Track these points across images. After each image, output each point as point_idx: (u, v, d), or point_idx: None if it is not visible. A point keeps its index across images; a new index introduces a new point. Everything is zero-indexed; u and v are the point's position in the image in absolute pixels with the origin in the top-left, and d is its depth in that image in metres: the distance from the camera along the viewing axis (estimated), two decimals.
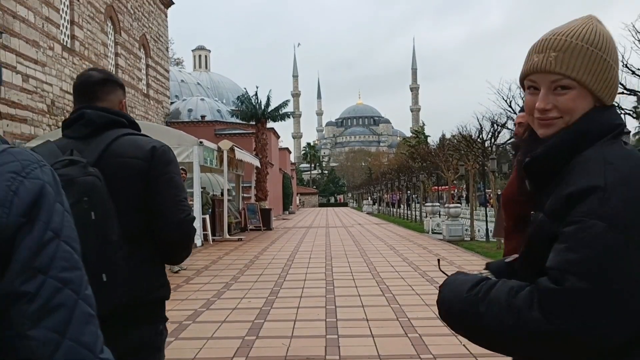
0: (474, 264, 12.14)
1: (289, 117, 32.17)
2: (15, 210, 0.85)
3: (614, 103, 1.45)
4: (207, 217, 18.75)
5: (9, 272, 0.83)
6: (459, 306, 1.37)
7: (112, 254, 1.94)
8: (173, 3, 34.18)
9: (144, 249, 2.21)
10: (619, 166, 1.25)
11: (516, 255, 1.51)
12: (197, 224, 17.04)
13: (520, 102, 12.16)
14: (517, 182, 1.76)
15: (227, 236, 19.98)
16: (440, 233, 20.42)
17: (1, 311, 0.81)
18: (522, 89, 1.48)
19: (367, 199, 66.22)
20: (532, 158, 1.38)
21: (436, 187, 34.49)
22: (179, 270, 11.81)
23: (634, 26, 7.64)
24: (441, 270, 1.70)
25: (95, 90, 2.33)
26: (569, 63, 1.33)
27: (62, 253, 0.88)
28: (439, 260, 1.96)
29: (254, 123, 30.17)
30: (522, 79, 1.44)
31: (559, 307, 1.18)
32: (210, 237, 18.70)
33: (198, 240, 17.18)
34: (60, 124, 18.66)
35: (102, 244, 1.92)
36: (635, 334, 1.18)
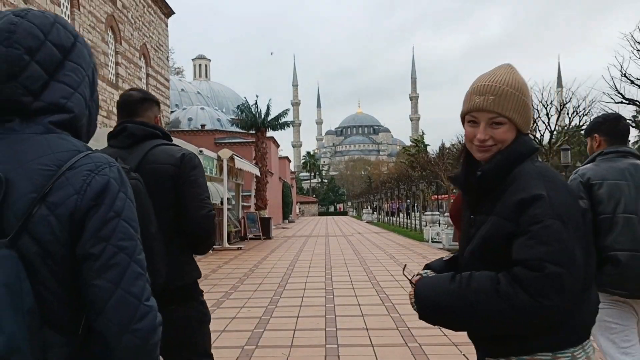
0: None
1: (289, 126, 32.21)
2: (87, 196, 1.22)
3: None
4: None
5: (82, 240, 1.21)
6: (447, 299, 1.71)
7: (150, 243, 2.15)
8: (174, 13, 34.31)
9: (177, 240, 2.67)
10: (550, 178, 1.72)
11: (451, 255, 1.98)
12: None
13: None
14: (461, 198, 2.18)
15: (227, 245, 19.96)
16: (440, 242, 20.41)
17: (77, 266, 1.21)
18: (462, 123, 1.92)
19: (367, 207, 66.23)
20: (484, 172, 1.79)
21: (436, 196, 34.52)
22: None
23: (632, 36, 7.66)
24: (405, 275, 1.93)
25: (135, 107, 2.83)
26: (503, 105, 1.78)
27: (121, 228, 1.24)
28: (405, 265, 2.16)
29: (253, 132, 30.20)
30: (464, 114, 1.89)
31: (544, 289, 1.57)
32: None
33: None
34: None
35: (142, 236, 2.00)
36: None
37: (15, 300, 1.13)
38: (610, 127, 3.49)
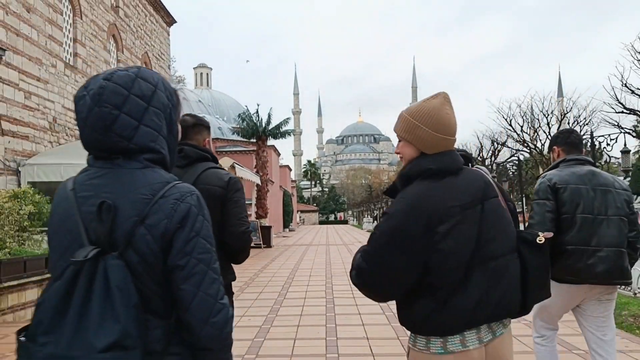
0: None
1: (290, 135, 32.24)
2: (174, 220, 1.58)
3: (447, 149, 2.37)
4: None
5: (171, 254, 1.57)
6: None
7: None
8: (175, 22, 34.43)
9: (219, 250, 2.67)
10: (404, 201, 2.21)
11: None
12: None
13: (520, 121, 12.21)
14: None
15: None
16: None
17: (169, 275, 1.57)
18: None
19: (367, 216, 66.12)
20: (388, 188, 2.44)
21: None
22: None
23: (632, 46, 7.68)
24: None
25: (187, 131, 3.21)
26: (398, 126, 2.35)
27: (200, 244, 1.60)
28: None
29: (254, 140, 30.24)
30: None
31: (352, 273, 2.43)
32: None
33: None
34: (61, 141, 18.77)
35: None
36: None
37: (125, 297, 1.50)
38: (564, 138, 4.09)
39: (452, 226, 2.14)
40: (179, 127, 1.85)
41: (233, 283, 3.33)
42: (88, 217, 1.60)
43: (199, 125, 3.34)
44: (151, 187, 1.62)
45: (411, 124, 2.29)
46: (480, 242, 2.19)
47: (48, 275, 11.30)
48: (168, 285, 1.60)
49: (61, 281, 1.53)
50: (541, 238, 2.33)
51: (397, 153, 2.42)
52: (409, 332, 2.34)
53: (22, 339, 1.55)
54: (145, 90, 1.69)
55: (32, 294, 11.51)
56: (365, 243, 2.35)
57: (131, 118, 1.64)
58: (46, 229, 8.42)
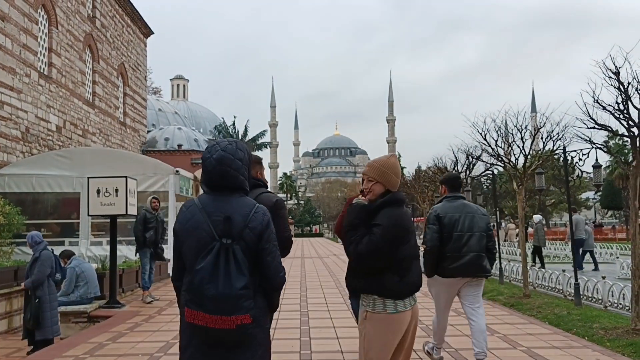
0: None
1: (266, 147, 32.33)
2: (263, 225, 3.00)
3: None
4: None
5: (261, 242, 2.97)
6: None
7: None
8: (152, 33, 34.27)
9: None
10: (391, 218, 3.68)
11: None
12: (171, 254, 16.85)
13: (495, 135, 12.34)
14: (344, 219, 4.24)
15: None
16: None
17: (259, 252, 2.97)
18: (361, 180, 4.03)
19: None
20: (369, 207, 3.77)
21: (412, 219, 34.52)
22: (152, 300, 11.64)
23: (604, 63, 7.82)
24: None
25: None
26: (373, 172, 3.79)
27: (273, 237, 3.05)
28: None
29: None
30: (363, 174, 3.95)
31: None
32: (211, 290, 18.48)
33: (171, 271, 16.97)
34: (33, 151, 18.50)
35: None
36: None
37: (245, 264, 2.87)
38: (451, 181, 6.31)
39: (410, 236, 3.81)
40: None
41: None
42: (215, 223, 2.93)
43: (254, 162, 4.49)
44: (248, 207, 3.03)
45: (383, 172, 3.79)
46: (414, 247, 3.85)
47: (18, 288, 11.16)
48: (257, 258, 2.97)
49: (211, 256, 2.84)
50: (421, 249, 4.51)
51: (365, 189, 3.84)
52: (364, 307, 3.78)
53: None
54: (241, 156, 3.10)
55: (1, 307, 11.29)
56: (344, 252, 3.96)
57: (236, 172, 3.06)
58: (17, 240, 8.57)
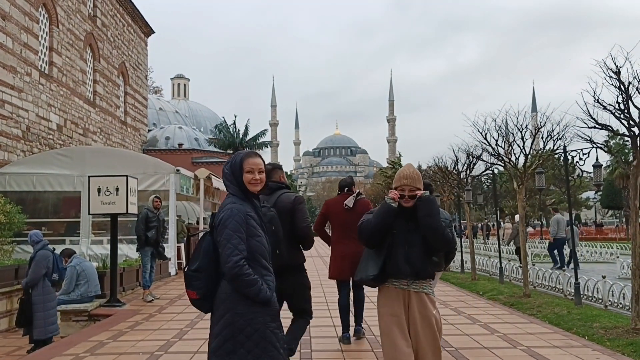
0: (449, 295, 12.18)
1: (267, 147, 32.30)
2: (217, 220, 3.54)
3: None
4: (182, 245, 18.59)
5: (217, 235, 3.50)
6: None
7: (280, 242, 4.36)
8: (153, 32, 34.28)
9: (293, 240, 5.30)
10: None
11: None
12: (172, 253, 16.89)
13: (495, 135, 12.34)
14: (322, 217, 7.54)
15: None
16: (564, 268, 20.31)
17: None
18: (390, 190, 4.49)
19: None
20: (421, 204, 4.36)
21: None
22: (152, 299, 11.65)
23: (605, 63, 7.81)
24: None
25: (269, 174, 5.16)
26: (419, 183, 4.31)
27: (227, 234, 3.42)
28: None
29: (231, 152, 30.17)
30: (396, 186, 4.35)
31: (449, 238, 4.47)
32: (184, 266, 18.48)
33: (172, 269, 17.00)
34: (34, 150, 18.52)
35: (276, 239, 4.21)
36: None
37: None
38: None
39: None
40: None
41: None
42: (212, 219, 3.68)
43: (275, 168, 5.70)
44: (223, 205, 3.68)
45: (421, 180, 4.41)
46: None
47: (18, 287, 11.18)
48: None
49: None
50: None
51: (409, 200, 4.32)
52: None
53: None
54: (226, 168, 3.74)
55: (1, 305, 11.31)
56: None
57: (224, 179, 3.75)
58: (17, 239, 8.68)
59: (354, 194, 7.29)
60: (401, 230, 4.30)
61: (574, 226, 20.90)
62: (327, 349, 7.08)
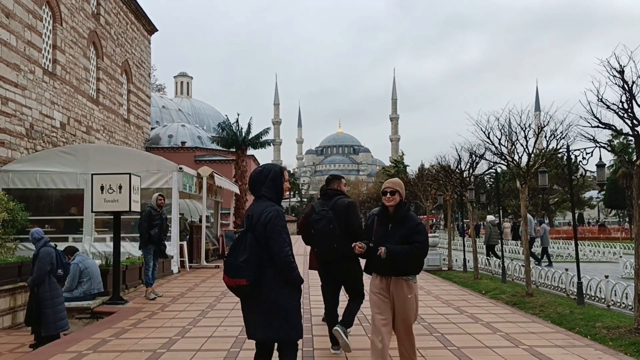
0: (452, 294, 12.17)
1: (270, 145, 32.25)
2: (267, 219, 4.37)
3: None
4: (185, 243, 18.61)
5: (266, 231, 4.36)
6: (399, 252, 5.16)
7: (337, 238, 6.48)
8: (157, 30, 34.30)
9: (348, 237, 6.26)
10: (416, 218, 5.50)
11: (382, 248, 5.14)
12: (174, 251, 16.90)
13: (498, 134, 12.33)
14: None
15: (205, 263, 19.81)
16: (551, 263, 20.43)
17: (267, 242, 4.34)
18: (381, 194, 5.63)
19: None
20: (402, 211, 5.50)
21: None
22: (155, 297, 11.67)
23: (608, 62, 7.80)
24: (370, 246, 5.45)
25: (328, 182, 7.11)
26: (400, 188, 5.46)
27: (277, 230, 4.36)
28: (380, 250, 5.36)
29: (234, 150, 30.17)
30: (383, 191, 5.52)
31: (424, 250, 5.34)
32: (187, 264, 18.54)
33: (175, 267, 17.02)
34: (38, 148, 18.54)
35: (335, 235, 6.49)
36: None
37: (256, 245, 4.34)
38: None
39: None
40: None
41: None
42: (246, 218, 4.47)
43: (334, 178, 7.22)
44: (262, 208, 4.43)
45: (403, 187, 5.49)
46: None
47: (22, 284, 11.19)
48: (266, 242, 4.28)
49: (236, 239, 4.39)
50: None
51: (392, 199, 5.40)
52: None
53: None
54: (265, 174, 4.59)
55: (5, 302, 11.33)
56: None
57: (260, 185, 4.61)
58: (21, 236, 8.75)
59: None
60: (380, 236, 5.33)
61: (545, 225, 22.08)
62: (329, 347, 7.08)
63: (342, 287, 7.00)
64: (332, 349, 6.82)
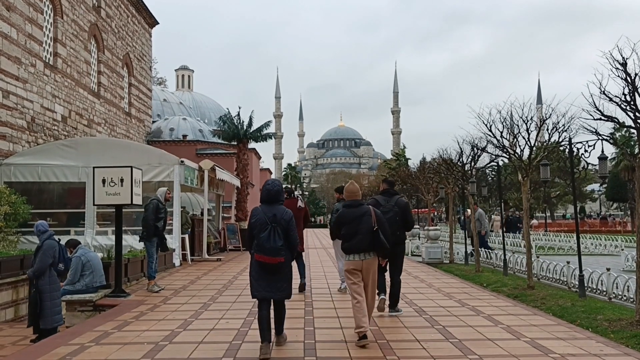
0: (453, 287, 12.18)
1: (271, 138, 32.15)
2: (288, 218, 6.68)
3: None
4: (187, 236, 18.63)
5: (288, 226, 6.68)
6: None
7: (400, 227, 8.80)
8: (158, 23, 34.24)
9: (403, 228, 8.92)
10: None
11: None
12: (176, 244, 16.92)
13: (500, 127, 12.31)
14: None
15: (206, 256, 19.84)
16: (420, 255, 20.48)
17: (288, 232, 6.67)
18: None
19: None
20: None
21: (416, 210, 34.59)
22: (159, 290, 11.69)
23: (611, 54, 7.77)
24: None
25: (391, 185, 9.36)
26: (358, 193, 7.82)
27: (293, 225, 6.74)
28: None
29: (235, 143, 30.08)
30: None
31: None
32: (188, 257, 18.56)
33: (176, 260, 17.04)
34: (39, 141, 18.54)
35: (398, 225, 8.71)
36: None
37: (280, 235, 6.54)
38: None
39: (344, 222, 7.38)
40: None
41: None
42: (268, 217, 6.54)
43: (393, 183, 9.57)
44: (282, 210, 6.66)
45: (359, 193, 7.73)
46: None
47: (24, 277, 11.22)
48: (286, 233, 6.57)
49: (266, 231, 6.44)
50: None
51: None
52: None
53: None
54: (279, 188, 6.94)
55: (7, 295, 11.36)
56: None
57: (280, 195, 6.83)
58: (23, 229, 8.79)
59: (298, 198, 12.03)
60: (354, 225, 7.22)
61: (480, 210, 22.23)
62: (331, 340, 7.10)
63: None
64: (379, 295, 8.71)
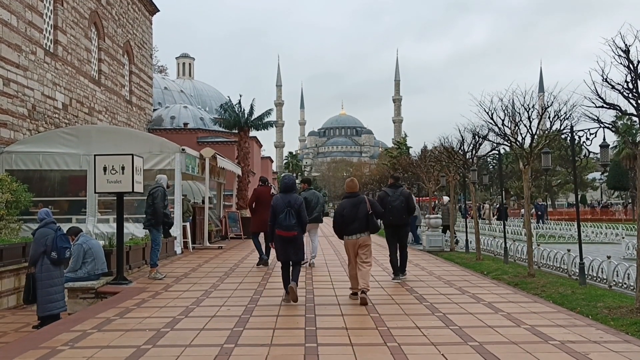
0: (454, 274, 12.21)
1: (272, 126, 32.08)
2: (299, 203, 9.02)
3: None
4: (188, 224, 18.67)
5: (300, 209, 9.01)
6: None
7: (405, 212, 11.40)
8: (158, 10, 34.10)
9: (407, 212, 11.46)
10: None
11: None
12: (177, 232, 16.95)
13: (502, 115, 12.28)
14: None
15: (208, 244, 19.89)
16: (421, 243, 20.51)
17: (299, 213, 8.96)
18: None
19: None
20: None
21: (417, 198, 34.48)
22: (162, 277, 11.73)
23: (614, 41, 7.74)
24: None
25: (398, 179, 12.06)
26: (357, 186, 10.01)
27: (303, 208, 9.14)
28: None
29: (236, 131, 30.06)
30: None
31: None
32: (190, 245, 18.61)
33: (178, 248, 17.08)
34: (40, 129, 18.53)
35: (404, 210, 11.36)
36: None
37: (295, 215, 8.90)
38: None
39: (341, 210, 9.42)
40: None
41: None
42: (285, 202, 8.86)
43: (399, 177, 12.65)
44: (295, 197, 9.04)
45: (356, 186, 9.77)
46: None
47: (25, 264, 11.24)
48: (298, 214, 8.89)
49: (284, 212, 8.75)
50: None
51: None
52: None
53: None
54: (294, 180, 9.52)
55: (9, 282, 11.41)
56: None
57: (295, 186, 9.35)
58: (24, 217, 8.71)
59: (271, 186, 13.80)
60: (353, 211, 9.16)
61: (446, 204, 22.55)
62: (332, 327, 7.13)
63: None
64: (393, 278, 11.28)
